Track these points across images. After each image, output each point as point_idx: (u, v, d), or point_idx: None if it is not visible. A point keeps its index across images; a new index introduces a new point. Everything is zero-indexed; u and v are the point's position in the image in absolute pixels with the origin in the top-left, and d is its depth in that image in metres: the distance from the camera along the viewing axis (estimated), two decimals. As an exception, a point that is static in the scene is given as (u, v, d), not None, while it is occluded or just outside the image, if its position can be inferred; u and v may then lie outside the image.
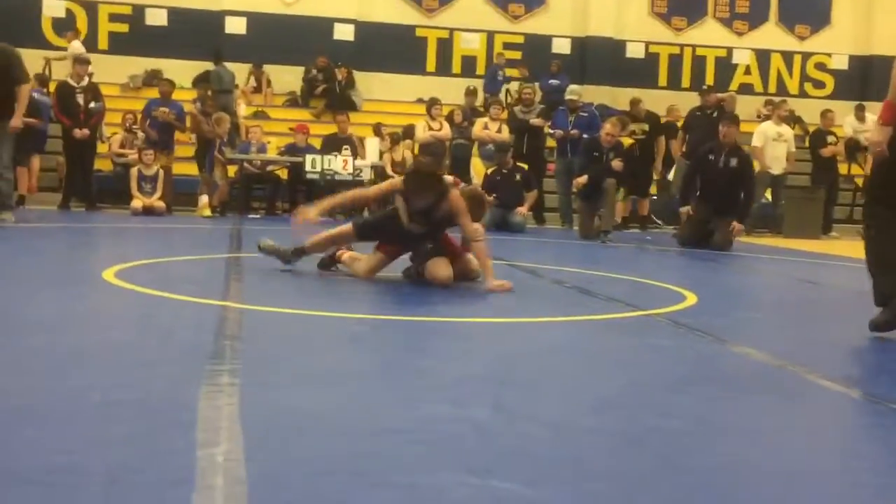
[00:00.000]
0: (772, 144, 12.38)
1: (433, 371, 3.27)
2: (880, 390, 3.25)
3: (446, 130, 12.59)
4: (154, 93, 12.98)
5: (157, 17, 16.29)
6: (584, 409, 2.85)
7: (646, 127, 12.64)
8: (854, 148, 15.34)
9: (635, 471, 2.27)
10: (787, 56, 18.18)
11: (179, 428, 2.40)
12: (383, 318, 4.48)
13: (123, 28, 16.26)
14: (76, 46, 14.15)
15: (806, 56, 18.14)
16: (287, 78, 16.29)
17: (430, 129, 12.57)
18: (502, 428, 2.59)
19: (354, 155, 12.05)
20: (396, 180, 5.86)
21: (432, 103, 12.86)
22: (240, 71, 15.27)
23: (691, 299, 5.44)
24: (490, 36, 17.39)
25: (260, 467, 2.13)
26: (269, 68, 16.15)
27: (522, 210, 11.21)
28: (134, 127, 12.49)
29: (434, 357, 3.59)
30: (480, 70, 17.03)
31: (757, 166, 12.73)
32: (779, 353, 3.86)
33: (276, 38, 16.19)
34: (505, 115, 12.92)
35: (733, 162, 9.63)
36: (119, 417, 2.50)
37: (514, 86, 15.84)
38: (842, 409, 3.10)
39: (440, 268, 5.44)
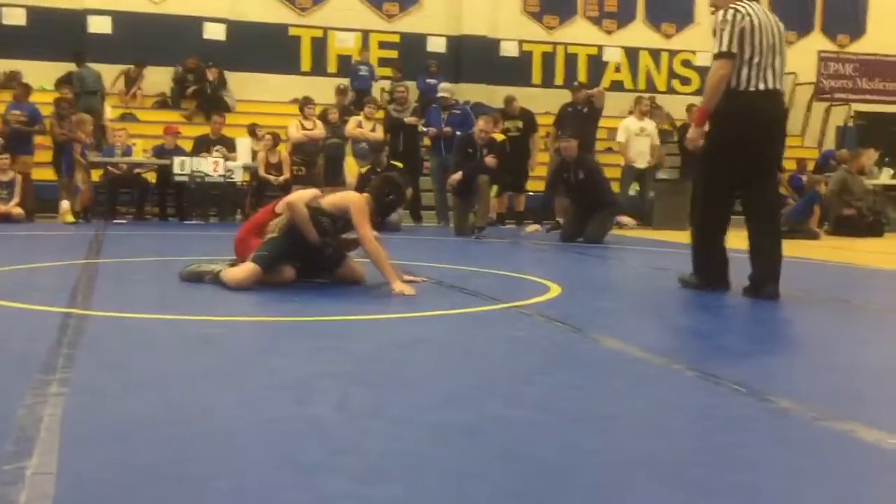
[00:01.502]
0: (635, 139, 12.67)
1: (281, 371, 3.17)
2: (722, 370, 3.31)
3: (320, 130, 12.44)
4: (10, 96, 12.38)
5: (14, 17, 15.52)
6: (430, 403, 2.81)
7: (520, 124, 12.76)
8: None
9: (471, 463, 2.24)
10: (655, 53, 18.68)
11: (-10, 442, 2.24)
12: (238, 319, 4.35)
13: (-22, 28, 15.47)
14: None
15: (672, 53, 18.68)
16: (156, 79, 15.79)
17: (304, 128, 12.39)
18: (342, 426, 2.53)
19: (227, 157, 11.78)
20: (357, 199, 5.37)
21: (305, 102, 12.69)
22: (107, 72, 14.71)
23: (555, 291, 5.49)
24: (365, 35, 17.25)
25: (72, 480, 2.01)
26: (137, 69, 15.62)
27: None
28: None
29: (284, 357, 3.48)
30: (356, 61, 16.86)
31: (622, 161, 13.05)
32: (631, 341, 3.91)
33: (143, 38, 15.66)
34: (381, 114, 12.85)
35: (581, 174, 9.82)
36: (-76, 434, 2.32)
37: (387, 85, 15.79)
38: (684, 391, 3.15)
39: (358, 267, 5.56)
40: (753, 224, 5.38)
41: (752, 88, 5.09)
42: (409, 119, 12.43)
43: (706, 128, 5.33)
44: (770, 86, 5.15)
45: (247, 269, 5.17)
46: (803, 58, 18.48)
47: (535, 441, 2.44)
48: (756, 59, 5.08)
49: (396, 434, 2.45)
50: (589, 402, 2.90)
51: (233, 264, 5.41)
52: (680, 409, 2.91)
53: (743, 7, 5.14)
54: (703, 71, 18.59)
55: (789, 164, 15.57)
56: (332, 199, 5.40)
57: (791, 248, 9.46)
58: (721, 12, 5.18)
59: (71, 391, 2.76)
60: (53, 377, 2.93)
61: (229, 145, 12.08)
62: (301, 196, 5.43)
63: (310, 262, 5.44)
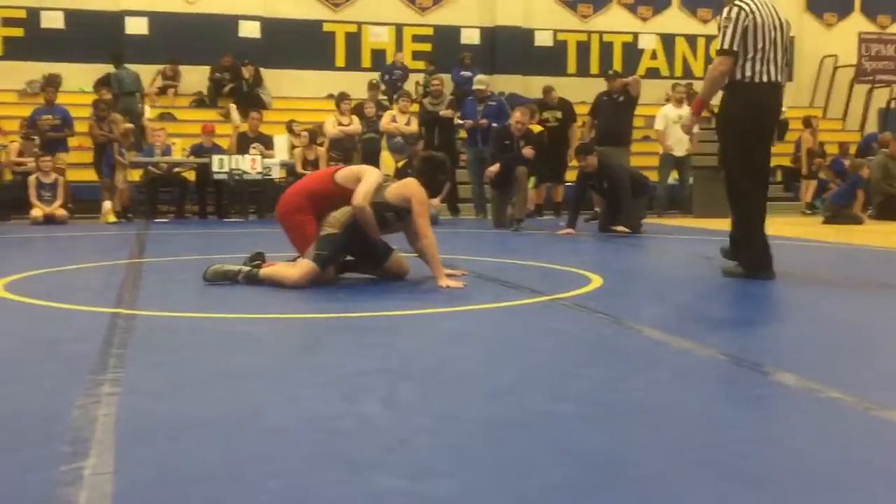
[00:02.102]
0: (673, 127, 12.54)
1: (327, 368, 3.20)
2: (768, 360, 3.29)
3: (356, 125, 12.47)
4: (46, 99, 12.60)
5: (53, 20, 15.75)
6: (477, 398, 2.82)
7: (559, 114, 12.70)
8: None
9: (520, 457, 2.24)
10: (691, 39, 18.49)
11: (47, 443, 2.29)
12: (283, 316, 4.39)
13: (18, 32, 15.67)
14: None
15: (709, 39, 18.42)
16: (193, 78, 15.95)
17: (340, 124, 12.43)
18: (390, 422, 2.54)
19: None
20: (419, 190, 5.33)
21: (341, 98, 12.72)
22: (145, 72, 14.89)
23: (596, 282, 5.47)
24: (398, 29, 17.29)
25: (129, 479, 2.05)
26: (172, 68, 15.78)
27: (435, 202, 11.13)
28: (31, 135, 12.09)
29: (330, 353, 3.52)
30: (390, 63, 16.92)
31: (660, 149, 12.95)
32: (675, 331, 3.89)
33: (179, 38, 15.82)
34: (415, 107, 12.86)
35: (606, 184, 9.76)
36: (-16, 436, 2.38)
37: (422, 78, 15.80)
38: (731, 381, 3.13)
39: (404, 261, 5.52)
40: None
41: (756, 81, 5.41)
42: (444, 112, 12.42)
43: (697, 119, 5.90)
44: (772, 79, 5.46)
45: (306, 268, 5.13)
46: (844, 40, 18.20)
47: (584, 434, 2.44)
48: (759, 55, 5.39)
49: (445, 429, 2.46)
50: (635, 395, 2.89)
51: (254, 260, 5.35)
52: (727, 399, 2.89)
53: (747, 5, 5.41)
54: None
55: (831, 149, 15.36)
56: (396, 190, 5.35)
57: (835, 234, 9.38)
58: (726, 9, 5.47)
59: (123, 391, 2.81)
60: (105, 377, 2.98)
61: (267, 142, 12.18)
62: (368, 191, 5.24)
63: (359, 254, 5.45)
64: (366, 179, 5.33)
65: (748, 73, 5.41)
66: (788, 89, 17.73)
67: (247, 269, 5.22)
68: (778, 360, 3.35)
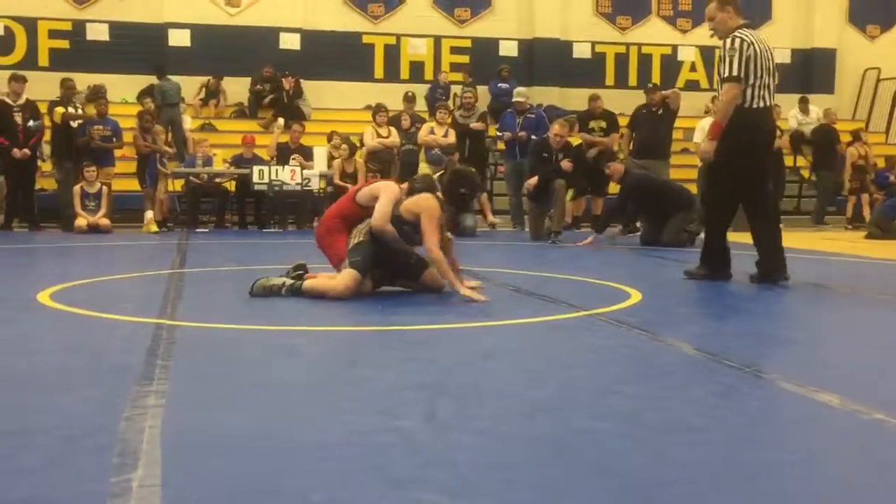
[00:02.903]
0: (711, 139, 12.44)
1: (366, 382, 3.23)
2: (811, 379, 3.26)
3: (395, 137, 12.54)
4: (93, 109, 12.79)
5: (98, 32, 16.04)
6: (516, 415, 2.82)
7: (603, 124, 12.67)
8: (799, 140, 15.61)
9: (561, 476, 2.25)
10: (731, 52, 18.38)
11: (96, 454, 2.33)
12: (323, 329, 4.43)
13: (64, 44, 15.97)
14: None
15: (749, 51, 18.33)
16: (234, 89, 16.14)
17: (379, 135, 12.50)
18: (431, 438, 2.56)
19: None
20: (430, 204, 5.33)
21: (378, 110, 12.79)
22: (187, 83, 15.09)
23: (635, 297, 5.45)
24: (437, 41, 17.36)
25: (175, 492, 2.08)
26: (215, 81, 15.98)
27: (494, 219, 11.21)
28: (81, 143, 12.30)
29: (370, 367, 3.54)
30: (429, 75, 17.01)
31: (699, 162, 12.87)
32: (716, 349, 3.87)
33: (221, 50, 16.04)
34: (450, 119, 12.91)
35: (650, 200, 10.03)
36: (33, 445, 2.43)
37: (459, 90, 15.87)
38: (772, 400, 3.11)
39: (437, 275, 5.51)
40: (760, 222, 6.24)
41: (754, 106, 5.94)
42: (475, 124, 12.45)
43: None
44: (767, 103, 6.01)
45: (348, 276, 5.19)
46: (886, 52, 17.99)
47: (625, 453, 2.44)
48: (758, 81, 5.89)
49: (485, 446, 2.47)
50: (676, 413, 2.88)
51: (297, 272, 5.41)
52: (769, 418, 2.87)
53: (747, 36, 5.92)
54: (780, 68, 18.20)
55: (879, 162, 15.19)
56: (408, 206, 5.39)
57: (875, 249, 9.25)
58: (728, 40, 5.92)
59: (168, 403, 2.85)
60: (151, 389, 3.03)
61: (307, 154, 12.29)
62: (385, 211, 5.33)
63: (394, 268, 5.49)
64: (381, 200, 5.42)
65: (748, 98, 5.91)
66: (830, 102, 17.64)
67: (290, 281, 5.28)
68: (821, 380, 3.31)
